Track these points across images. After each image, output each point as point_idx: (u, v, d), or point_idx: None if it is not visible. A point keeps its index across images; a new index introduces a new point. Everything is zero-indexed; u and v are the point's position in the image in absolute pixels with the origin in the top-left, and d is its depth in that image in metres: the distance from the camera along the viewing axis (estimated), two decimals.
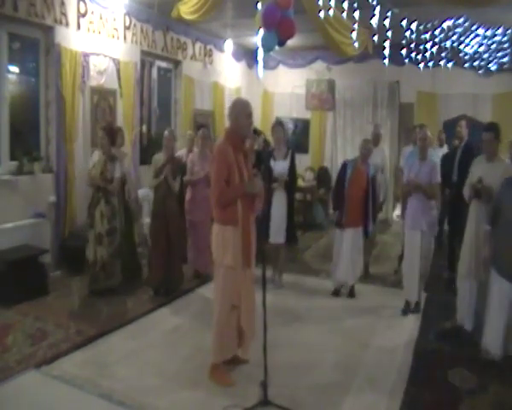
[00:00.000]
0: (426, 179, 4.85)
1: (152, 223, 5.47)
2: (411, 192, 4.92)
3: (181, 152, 6.42)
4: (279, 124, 6.29)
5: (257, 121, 10.25)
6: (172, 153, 5.40)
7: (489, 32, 6.95)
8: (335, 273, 5.49)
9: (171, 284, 5.31)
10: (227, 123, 3.71)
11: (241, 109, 3.55)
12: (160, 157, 5.36)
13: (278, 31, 4.87)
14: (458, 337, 4.31)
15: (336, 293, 5.50)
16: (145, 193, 7.14)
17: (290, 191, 5.66)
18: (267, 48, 5.32)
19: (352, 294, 5.47)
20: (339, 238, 5.47)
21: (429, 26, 6.69)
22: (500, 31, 6.93)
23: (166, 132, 5.43)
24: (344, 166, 5.46)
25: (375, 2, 5.78)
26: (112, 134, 5.44)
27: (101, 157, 5.27)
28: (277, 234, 5.51)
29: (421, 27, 6.62)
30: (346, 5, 5.73)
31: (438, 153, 6.73)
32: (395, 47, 7.40)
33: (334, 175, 10.40)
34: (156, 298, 5.23)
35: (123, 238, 5.40)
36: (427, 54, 7.67)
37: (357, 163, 5.38)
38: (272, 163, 5.51)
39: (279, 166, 5.54)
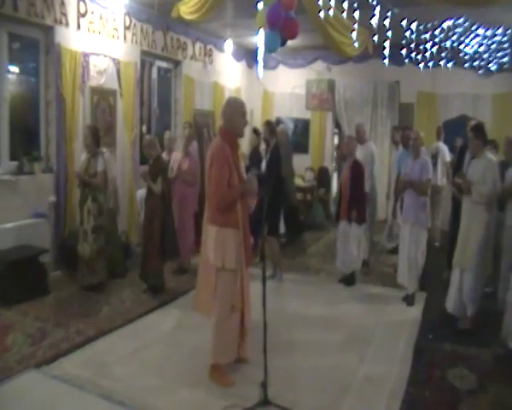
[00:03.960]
0: (417, 176, 5.14)
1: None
2: (404, 188, 5.28)
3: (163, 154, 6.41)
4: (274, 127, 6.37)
5: (257, 121, 10.27)
6: (153, 155, 5.42)
7: (489, 32, 6.95)
8: (336, 262, 6.04)
9: (148, 282, 5.36)
10: (220, 122, 3.69)
11: (235, 109, 3.51)
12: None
13: (282, 31, 4.88)
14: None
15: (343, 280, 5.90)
16: (144, 194, 7.12)
17: (268, 184, 5.47)
18: (270, 48, 5.32)
19: (347, 281, 5.85)
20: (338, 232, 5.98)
21: (429, 26, 6.69)
22: (500, 31, 6.93)
23: (147, 137, 5.64)
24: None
25: (375, 3, 5.78)
26: (96, 134, 5.55)
27: (86, 155, 5.44)
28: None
29: (421, 27, 6.62)
30: (346, 5, 5.73)
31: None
32: (395, 47, 7.39)
33: (334, 175, 10.47)
34: (155, 298, 5.21)
35: (108, 236, 5.51)
36: (427, 54, 7.67)
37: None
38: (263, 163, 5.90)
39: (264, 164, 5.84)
